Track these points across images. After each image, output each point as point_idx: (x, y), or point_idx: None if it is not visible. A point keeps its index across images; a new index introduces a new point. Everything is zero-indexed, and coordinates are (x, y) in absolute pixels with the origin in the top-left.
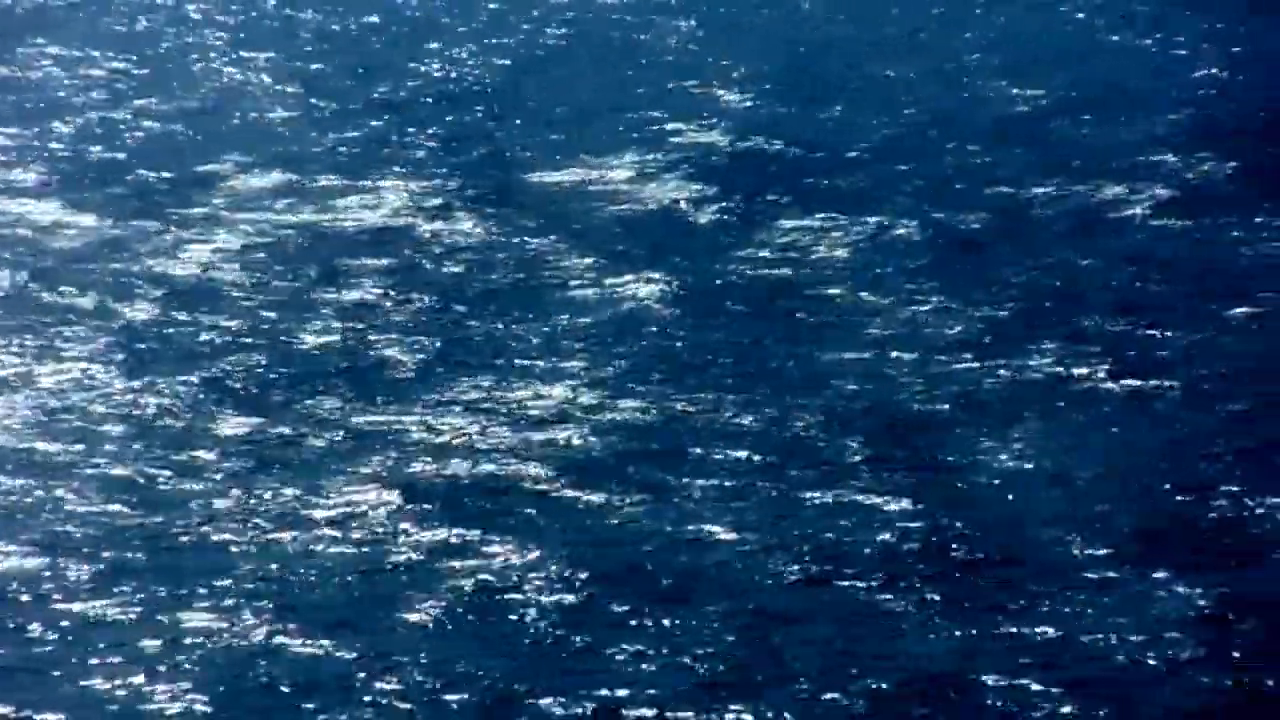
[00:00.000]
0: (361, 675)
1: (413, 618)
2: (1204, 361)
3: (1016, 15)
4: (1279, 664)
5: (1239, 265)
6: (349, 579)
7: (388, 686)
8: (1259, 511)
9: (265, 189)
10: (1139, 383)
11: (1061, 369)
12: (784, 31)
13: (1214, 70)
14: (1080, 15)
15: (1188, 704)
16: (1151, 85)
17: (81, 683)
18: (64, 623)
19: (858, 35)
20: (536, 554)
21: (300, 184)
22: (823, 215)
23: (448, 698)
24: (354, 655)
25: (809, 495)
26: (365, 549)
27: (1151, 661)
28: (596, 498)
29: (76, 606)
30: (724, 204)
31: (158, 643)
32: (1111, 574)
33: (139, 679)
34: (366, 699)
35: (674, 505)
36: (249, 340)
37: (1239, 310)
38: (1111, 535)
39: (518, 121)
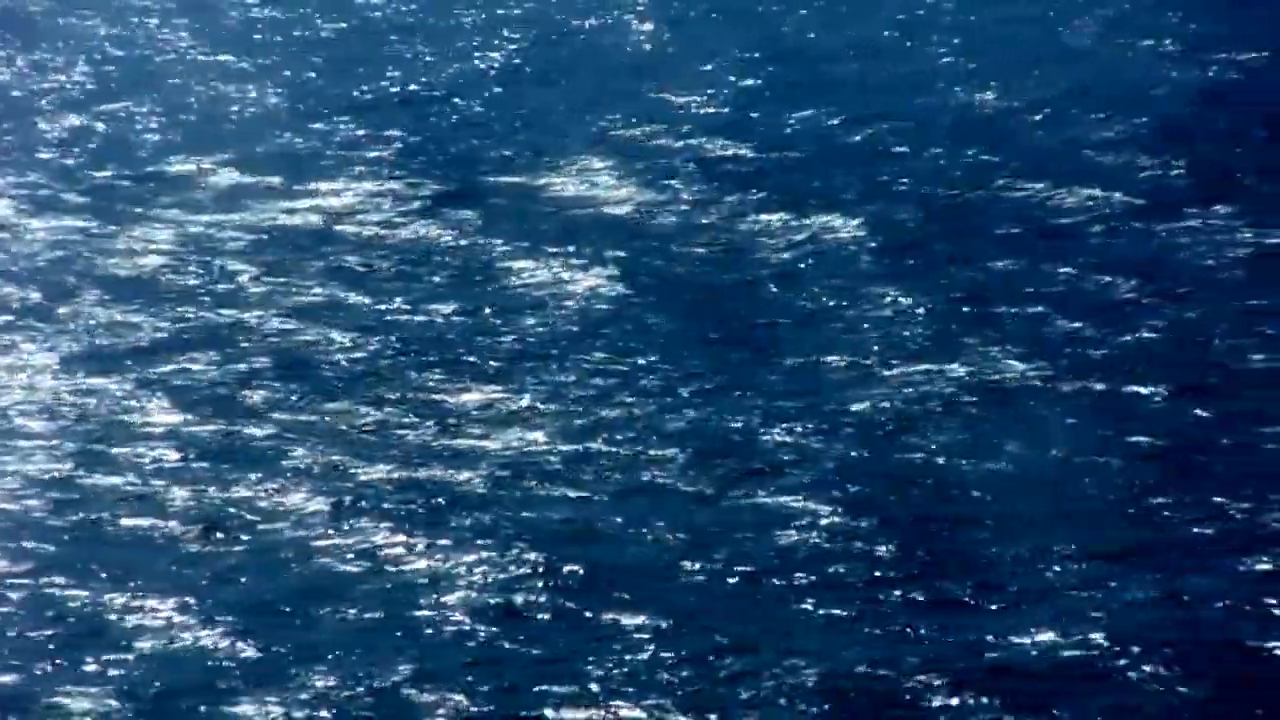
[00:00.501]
0: (285, 672)
1: (340, 616)
2: (1161, 362)
3: (988, 18)
4: (1238, 666)
5: (1195, 265)
6: (282, 575)
7: (310, 684)
8: (1218, 513)
9: (222, 188)
10: (1101, 385)
11: (1016, 369)
12: (752, 34)
13: (1175, 71)
14: (1052, 15)
15: (1136, 706)
16: (1119, 87)
17: None
18: None
19: (828, 38)
20: (473, 555)
21: (256, 184)
22: (784, 216)
23: (366, 698)
24: (278, 651)
25: (749, 496)
26: (299, 547)
27: (1102, 665)
28: (542, 497)
29: None
30: (684, 207)
31: (76, 636)
32: (1073, 577)
33: (56, 675)
34: (285, 696)
35: (618, 506)
36: (195, 338)
37: (1196, 310)
38: (1072, 538)
39: (482, 123)
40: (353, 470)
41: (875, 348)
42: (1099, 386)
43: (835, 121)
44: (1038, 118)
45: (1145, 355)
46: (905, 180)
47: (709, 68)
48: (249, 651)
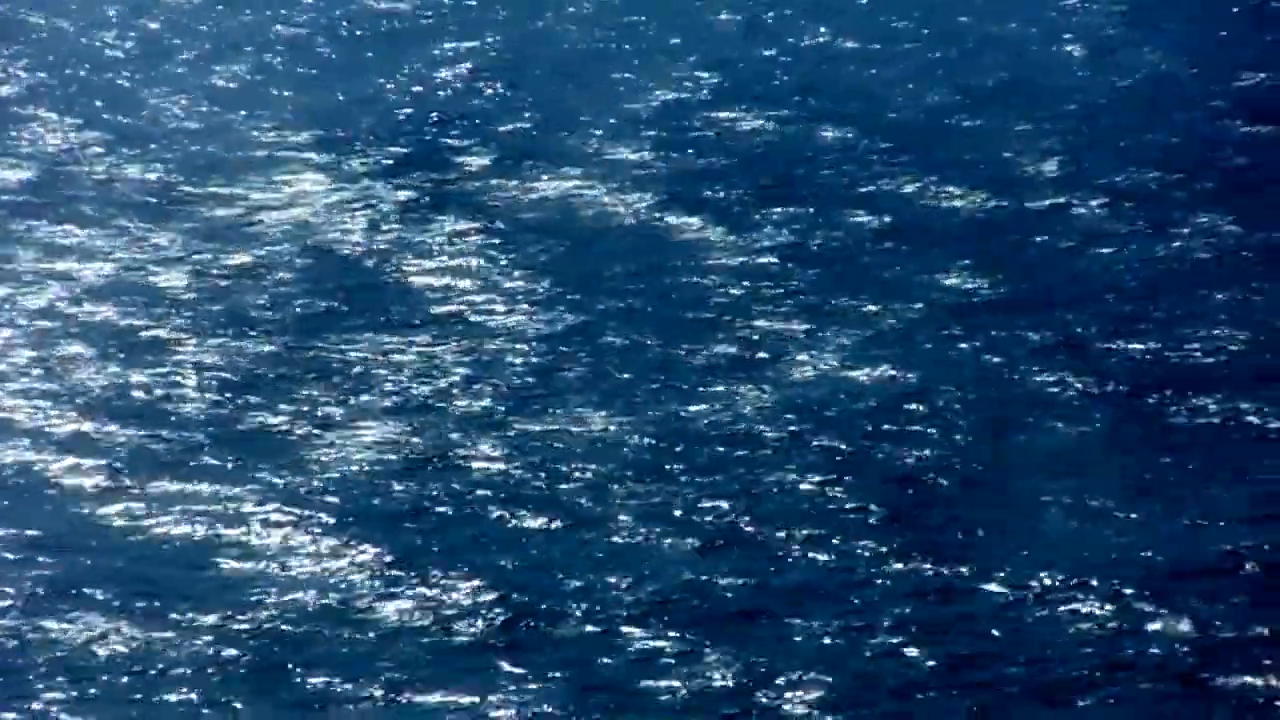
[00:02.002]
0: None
1: (258, 621)
2: (1122, 365)
3: (966, 20)
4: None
5: (1157, 268)
6: (202, 572)
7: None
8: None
9: (194, 193)
10: (1058, 386)
11: (970, 370)
12: (737, 42)
13: (1142, 74)
14: (1030, 21)
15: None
16: (1092, 90)
17: None
18: None
19: (830, 45)
20: (409, 570)
21: (228, 185)
22: (760, 222)
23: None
24: (200, 647)
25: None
26: (235, 558)
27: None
28: (494, 516)
29: None
30: (655, 215)
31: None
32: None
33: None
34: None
35: (571, 522)
36: (149, 342)
37: (1158, 313)
38: (1021, 543)
39: (464, 130)
40: (300, 481)
41: (838, 345)
42: (1082, 384)
43: (823, 128)
44: (989, 120)
45: (1127, 349)
46: (871, 184)
47: (697, 75)
48: (165, 647)
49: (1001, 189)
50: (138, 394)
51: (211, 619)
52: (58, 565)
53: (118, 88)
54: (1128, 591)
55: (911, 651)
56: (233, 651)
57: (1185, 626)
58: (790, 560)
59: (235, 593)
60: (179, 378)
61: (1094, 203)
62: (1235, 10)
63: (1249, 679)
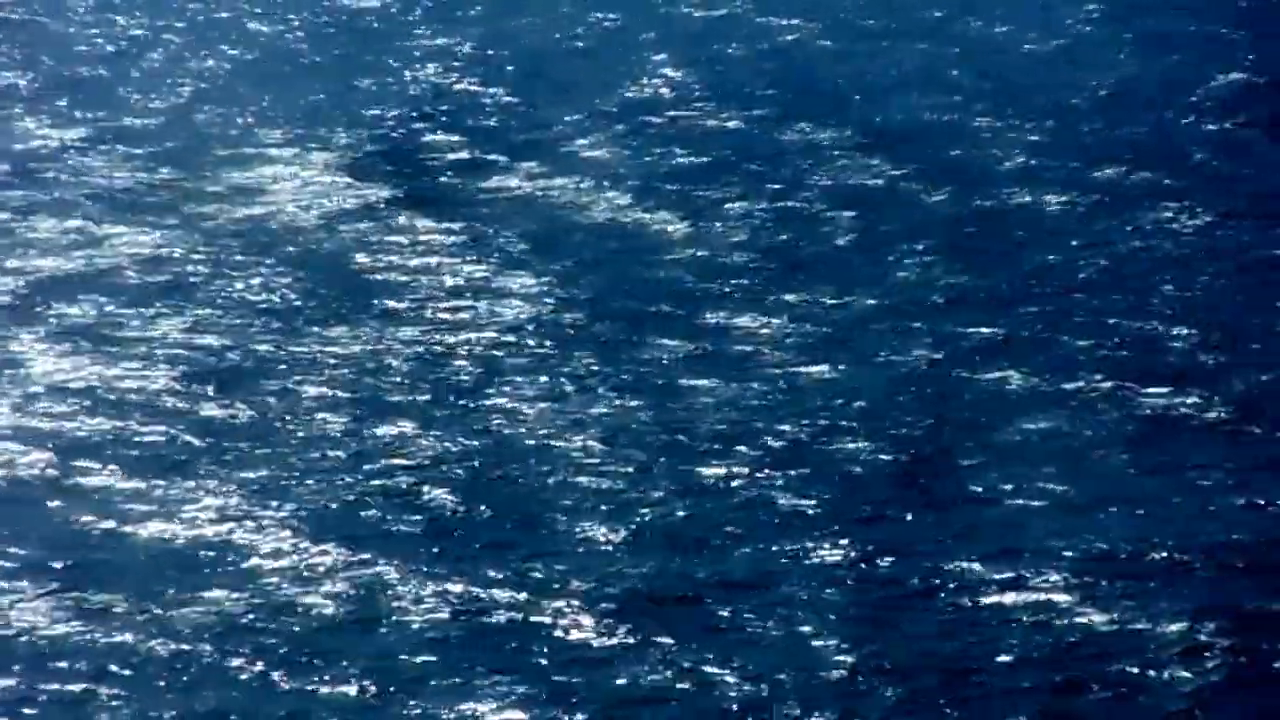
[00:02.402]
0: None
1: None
2: (1094, 363)
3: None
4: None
5: (1136, 265)
6: (160, 570)
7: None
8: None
9: (165, 187)
10: (1006, 380)
11: (932, 365)
12: (711, 39)
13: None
14: (1009, 25)
15: None
16: (1067, 91)
17: None
18: None
19: (802, 42)
20: (352, 562)
21: (200, 179)
22: (725, 217)
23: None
24: (154, 647)
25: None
26: (191, 547)
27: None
28: (441, 507)
29: None
30: (622, 210)
31: None
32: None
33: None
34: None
35: (528, 523)
36: (116, 333)
37: (1111, 307)
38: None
39: (436, 125)
40: (270, 478)
41: (794, 339)
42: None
43: (793, 128)
44: (960, 116)
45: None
46: (840, 179)
47: (675, 73)
48: (122, 646)
49: (968, 185)
50: (93, 383)
51: (130, 607)
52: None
53: (93, 82)
54: (1060, 580)
55: (848, 641)
56: (166, 642)
57: (1115, 616)
58: (728, 552)
59: (181, 585)
60: (137, 368)
61: (1058, 198)
62: (1208, 9)
63: (1181, 671)
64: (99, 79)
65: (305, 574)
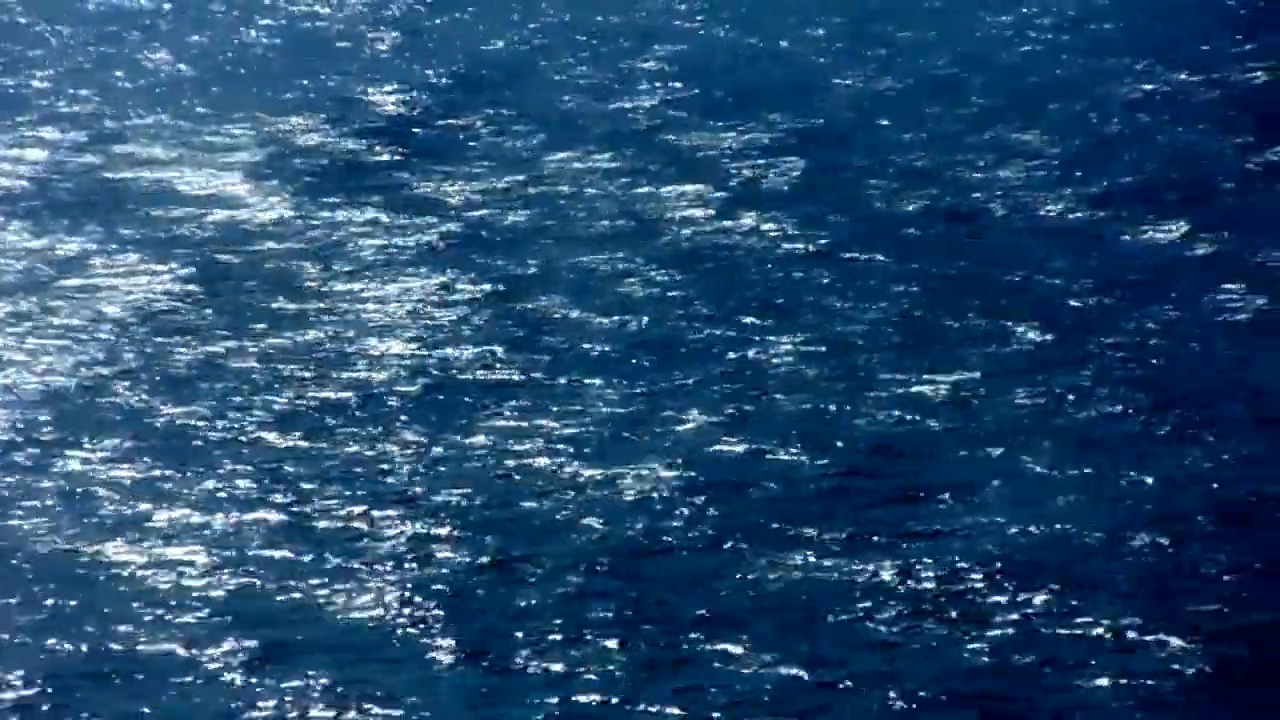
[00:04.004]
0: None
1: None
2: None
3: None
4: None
5: (1116, 269)
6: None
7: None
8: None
9: (116, 188)
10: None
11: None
12: (679, 43)
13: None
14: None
15: None
16: (1051, 93)
17: None
18: None
19: (771, 47)
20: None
21: (152, 182)
22: (683, 224)
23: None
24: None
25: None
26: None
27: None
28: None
29: None
30: (580, 216)
31: None
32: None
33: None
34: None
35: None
36: (79, 323)
37: (1120, 311)
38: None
39: (394, 132)
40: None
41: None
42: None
43: (767, 129)
44: (930, 125)
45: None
46: (802, 182)
47: (601, 71)
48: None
49: (939, 192)
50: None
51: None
52: None
53: (48, 85)
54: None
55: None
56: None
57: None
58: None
59: (113, 602)
60: (58, 368)
61: (1043, 208)
62: (1184, 9)
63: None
64: (51, 80)
65: (241, 583)
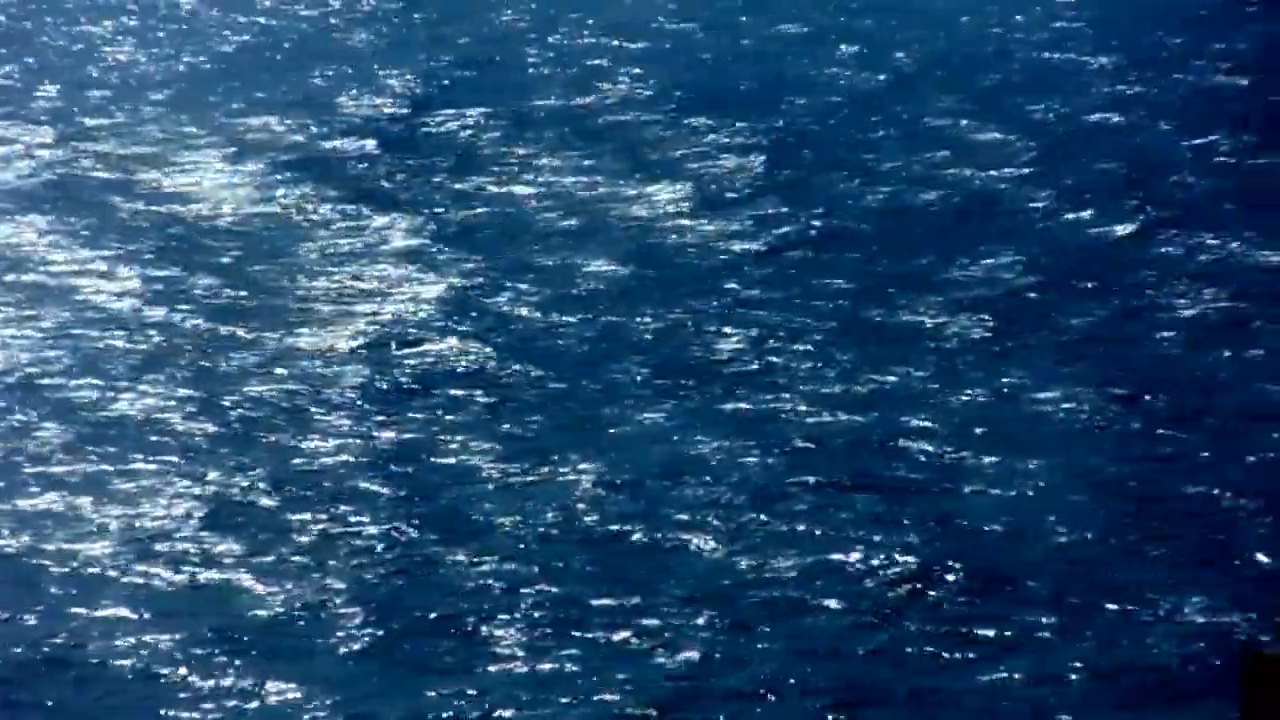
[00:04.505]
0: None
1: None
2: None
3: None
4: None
5: (1069, 264)
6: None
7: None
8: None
9: (99, 183)
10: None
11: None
12: (658, 39)
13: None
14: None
15: None
16: (1044, 90)
17: None
18: None
19: (747, 45)
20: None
21: (131, 177)
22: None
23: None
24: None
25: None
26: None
27: None
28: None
29: None
30: (545, 213)
31: None
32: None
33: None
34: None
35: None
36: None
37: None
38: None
39: (367, 129)
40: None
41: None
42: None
43: (763, 132)
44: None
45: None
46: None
47: (576, 67)
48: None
49: (896, 189)
50: None
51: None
52: None
53: (18, 80)
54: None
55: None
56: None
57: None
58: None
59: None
60: (32, 363)
61: (1002, 204)
62: (1151, 9)
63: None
64: (28, 77)
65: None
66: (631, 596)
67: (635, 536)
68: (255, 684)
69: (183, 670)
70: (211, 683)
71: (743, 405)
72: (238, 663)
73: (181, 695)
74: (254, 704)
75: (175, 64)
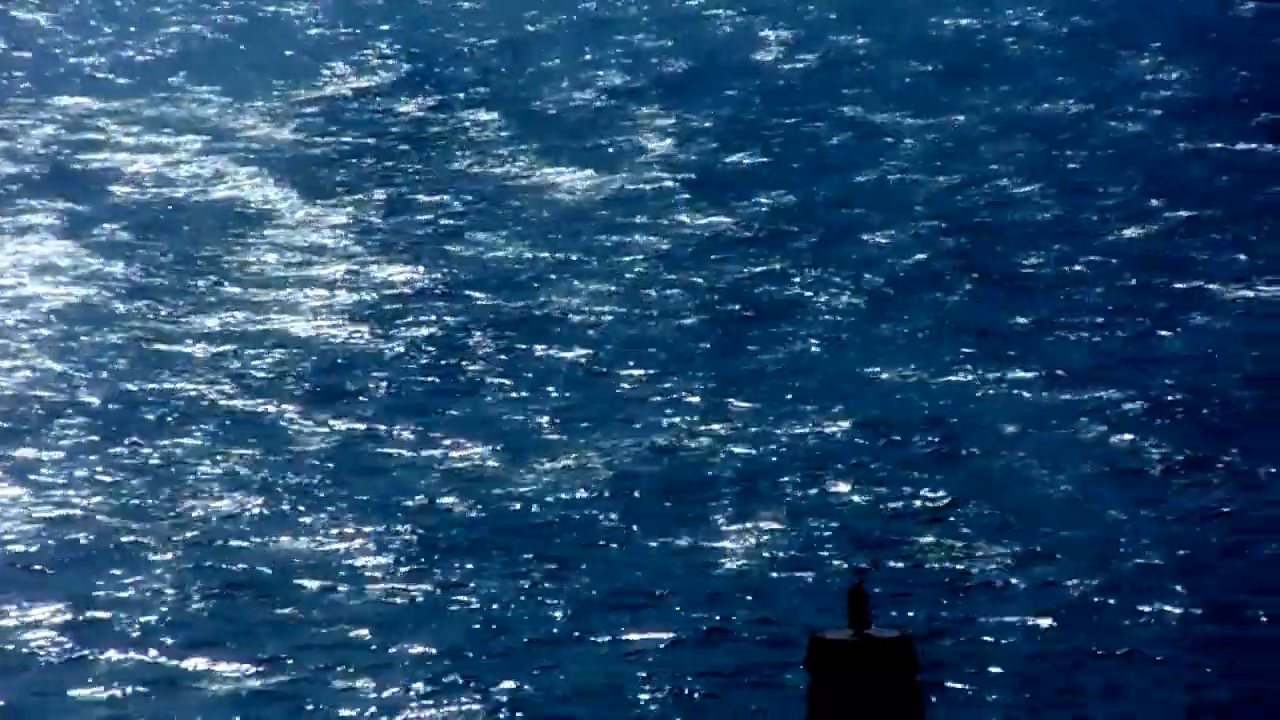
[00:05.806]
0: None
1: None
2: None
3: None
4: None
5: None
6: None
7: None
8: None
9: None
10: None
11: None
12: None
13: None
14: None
15: None
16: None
17: None
18: None
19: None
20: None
21: (106, 162)
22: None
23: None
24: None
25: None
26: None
27: None
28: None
29: None
30: (538, 208)
31: None
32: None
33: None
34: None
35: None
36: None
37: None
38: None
39: (358, 121)
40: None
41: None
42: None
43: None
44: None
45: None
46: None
47: (573, 64)
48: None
49: (842, 180)
50: None
51: None
52: None
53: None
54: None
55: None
56: None
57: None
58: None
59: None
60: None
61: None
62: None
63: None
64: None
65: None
66: (593, 580)
67: (596, 524)
68: (150, 674)
69: (78, 664)
70: (115, 674)
71: (703, 399)
72: (128, 655)
73: (75, 688)
74: (145, 688)
75: (161, 51)
